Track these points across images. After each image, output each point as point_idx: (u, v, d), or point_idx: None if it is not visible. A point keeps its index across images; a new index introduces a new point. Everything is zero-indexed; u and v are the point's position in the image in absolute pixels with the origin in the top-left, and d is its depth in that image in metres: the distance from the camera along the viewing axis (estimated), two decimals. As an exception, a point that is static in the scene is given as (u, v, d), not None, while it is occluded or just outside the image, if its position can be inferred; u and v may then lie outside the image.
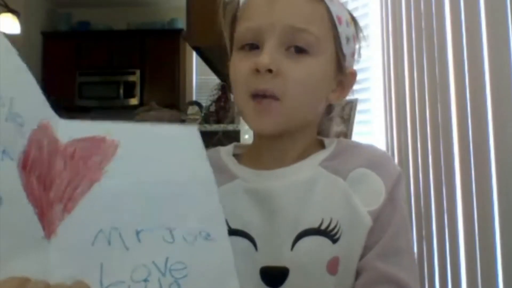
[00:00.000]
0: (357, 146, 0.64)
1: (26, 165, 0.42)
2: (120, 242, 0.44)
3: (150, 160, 0.51)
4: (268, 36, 0.56)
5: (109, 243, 0.43)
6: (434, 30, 1.29)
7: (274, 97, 0.55)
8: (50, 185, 0.44)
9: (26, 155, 0.42)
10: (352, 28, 0.63)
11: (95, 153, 0.48)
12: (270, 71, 0.54)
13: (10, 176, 0.41)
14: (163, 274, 0.43)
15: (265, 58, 0.54)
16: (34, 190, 0.42)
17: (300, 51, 0.56)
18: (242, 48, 0.58)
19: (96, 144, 0.48)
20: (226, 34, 0.64)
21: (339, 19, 0.60)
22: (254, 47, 0.57)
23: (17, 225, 0.40)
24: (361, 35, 0.66)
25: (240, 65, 0.58)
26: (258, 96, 0.56)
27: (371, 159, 0.60)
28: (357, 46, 0.65)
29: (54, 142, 0.46)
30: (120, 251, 0.43)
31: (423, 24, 1.37)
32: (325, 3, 0.59)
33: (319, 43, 0.57)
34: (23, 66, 0.45)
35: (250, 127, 0.60)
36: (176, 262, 0.44)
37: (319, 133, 0.67)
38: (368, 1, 1.79)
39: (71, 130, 0.48)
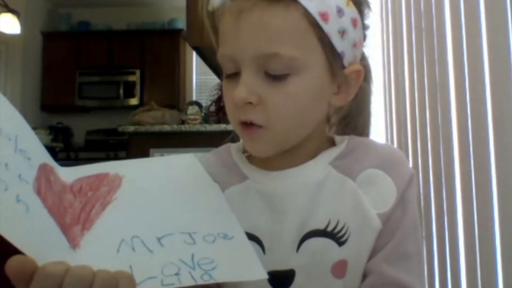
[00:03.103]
0: (370, 144, 0.61)
1: (40, 191, 0.44)
2: (143, 248, 0.45)
3: (156, 183, 0.55)
4: (242, 64, 0.52)
5: (133, 249, 0.45)
6: (434, 30, 1.29)
7: (259, 125, 0.53)
8: (64, 213, 0.46)
9: (39, 183, 0.44)
10: (349, 13, 0.54)
11: (102, 185, 0.51)
12: (249, 102, 0.52)
13: (30, 194, 0.42)
14: (193, 268, 0.44)
15: (241, 92, 0.51)
16: (52, 211, 0.44)
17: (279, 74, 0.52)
18: (225, 71, 0.56)
19: (101, 178, 0.52)
20: (214, 44, 0.60)
21: (323, 16, 0.51)
22: (237, 73, 0.54)
23: (44, 232, 0.41)
24: (364, 6, 0.58)
25: (225, 96, 0.57)
26: (245, 123, 0.54)
27: (383, 159, 0.58)
28: (364, 28, 0.59)
29: (60, 181, 0.49)
30: (146, 255, 0.45)
31: (423, 24, 1.37)
32: (301, 5, 0.51)
33: (297, 61, 0.51)
34: (18, 114, 0.48)
35: (247, 149, 0.59)
36: (203, 257, 0.45)
37: (351, 133, 0.64)
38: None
39: (72, 174, 0.51)
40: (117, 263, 0.42)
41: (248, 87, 0.52)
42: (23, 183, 0.42)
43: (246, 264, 0.47)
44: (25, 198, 0.40)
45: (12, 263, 0.36)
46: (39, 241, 0.39)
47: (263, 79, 0.52)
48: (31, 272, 0.36)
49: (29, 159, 0.45)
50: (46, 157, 0.49)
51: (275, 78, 0.52)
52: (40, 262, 0.37)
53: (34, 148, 0.47)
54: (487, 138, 1.01)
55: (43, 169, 0.46)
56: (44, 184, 0.45)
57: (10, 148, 0.43)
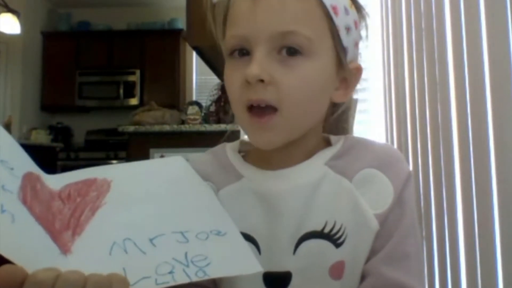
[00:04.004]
0: (366, 144, 0.60)
1: (26, 201, 0.43)
2: (136, 249, 0.45)
3: (145, 185, 0.54)
4: (256, 43, 0.52)
5: (126, 251, 0.44)
6: (434, 30, 1.29)
7: (271, 108, 0.52)
8: (53, 220, 0.45)
9: (24, 192, 0.44)
10: (352, 14, 0.57)
11: (91, 190, 0.51)
12: (261, 81, 0.51)
13: (15, 203, 0.42)
14: (187, 266, 0.43)
15: (254, 68, 0.51)
16: (40, 219, 0.43)
17: (292, 52, 0.52)
18: (232, 54, 0.55)
19: (89, 184, 0.52)
20: (218, 37, 0.60)
21: (334, 9, 0.54)
22: (244, 53, 0.54)
23: (32, 240, 0.40)
24: (364, 13, 0.60)
25: (231, 76, 0.55)
26: (254, 108, 0.53)
27: (380, 158, 0.57)
28: (361, 32, 0.60)
29: (47, 189, 0.48)
30: (138, 256, 0.44)
31: (423, 24, 1.37)
32: None
33: (312, 43, 0.52)
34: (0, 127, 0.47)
35: (250, 140, 0.58)
36: (196, 255, 0.45)
37: (338, 131, 0.64)
38: (368, 1, 1.80)
39: (59, 181, 0.51)
40: (110, 266, 0.41)
41: (262, 64, 0.51)
42: (7, 194, 0.41)
43: (241, 259, 0.47)
44: (10, 208, 0.40)
45: (1, 273, 0.36)
46: (28, 249, 0.39)
47: (275, 60, 0.52)
48: (21, 281, 0.36)
49: (11, 169, 0.44)
50: (30, 166, 0.48)
51: (289, 54, 0.52)
52: (30, 270, 0.36)
53: (17, 158, 0.47)
54: (487, 138, 1.01)
55: (28, 178, 0.46)
56: (29, 192, 0.44)
57: None
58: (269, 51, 0.52)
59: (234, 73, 0.54)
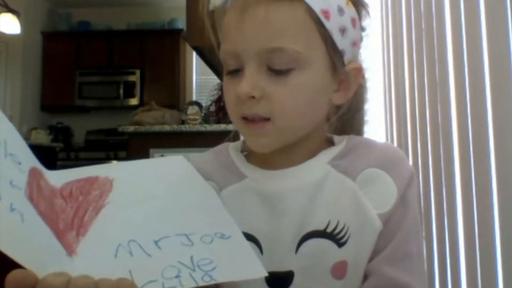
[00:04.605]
0: (369, 144, 0.60)
1: (32, 197, 0.43)
2: (141, 252, 0.44)
3: (148, 185, 0.54)
4: (246, 59, 0.53)
5: (131, 254, 0.44)
6: (434, 30, 1.29)
7: (265, 119, 0.53)
8: (57, 219, 0.45)
9: (31, 189, 0.43)
10: (349, 13, 0.56)
11: (93, 189, 0.50)
12: (253, 97, 0.52)
13: (24, 202, 0.41)
14: (193, 270, 0.43)
15: (244, 86, 0.52)
16: (45, 218, 0.43)
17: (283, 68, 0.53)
18: (228, 73, 0.56)
19: (91, 182, 0.51)
20: (220, 41, 0.60)
21: (325, 13, 0.53)
22: (238, 70, 0.55)
23: (41, 241, 0.40)
24: (364, 12, 0.60)
25: (227, 91, 0.56)
26: (248, 119, 0.54)
27: (383, 158, 0.57)
28: (362, 30, 0.60)
29: (49, 186, 0.48)
30: (144, 259, 0.44)
31: (423, 24, 1.37)
32: (304, 2, 0.52)
33: (301, 56, 0.52)
34: (5, 118, 0.46)
35: (247, 144, 0.59)
36: (202, 258, 0.45)
37: (348, 131, 0.64)
38: (368, 1, 1.79)
39: (60, 177, 0.50)
40: (115, 268, 0.41)
41: (252, 81, 0.52)
42: (15, 190, 0.41)
43: (245, 263, 0.47)
44: (19, 206, 0.39)
45: (12, 278, 0.35)
46: (37, 251, 0.38)
47: (266, 74, 0.53)
48: (31, 286, 0.36)
49: (19, 163, 0.43)
50: (34, 161, 0.48)
51: (278, 73, 0.52)
52: (39, 273, 0.36)
53: (23, 152, 0.46)
54: (487, 138, 1.01)
55: (33, 174, 0.45)
56: (35, 189, 0.44)
57: (1, 154, 0.42)
58: (259, 66, 0.53)
59: (230, 87, 0.56)
